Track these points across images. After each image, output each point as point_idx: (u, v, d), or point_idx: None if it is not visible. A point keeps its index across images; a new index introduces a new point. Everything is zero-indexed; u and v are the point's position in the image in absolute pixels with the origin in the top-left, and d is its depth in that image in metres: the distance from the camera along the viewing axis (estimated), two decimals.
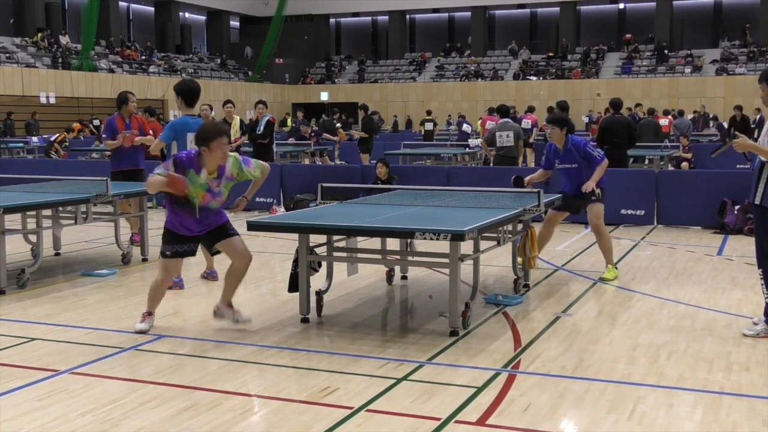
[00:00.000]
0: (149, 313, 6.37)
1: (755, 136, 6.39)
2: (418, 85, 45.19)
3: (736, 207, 11.36)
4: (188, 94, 7.83)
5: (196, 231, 6.22)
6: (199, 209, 6.11)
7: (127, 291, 7.90)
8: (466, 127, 25.13)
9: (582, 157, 8.05)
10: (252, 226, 6.56)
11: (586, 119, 32.20)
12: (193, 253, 6.36)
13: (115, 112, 10.15)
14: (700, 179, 12.13)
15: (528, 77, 43.32)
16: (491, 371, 5.30)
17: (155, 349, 5.87)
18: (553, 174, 8.56)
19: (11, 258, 8.61)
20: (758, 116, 23.03)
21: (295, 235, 6.65)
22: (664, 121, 22.89)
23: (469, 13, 48.19)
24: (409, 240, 7.46)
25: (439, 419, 4.47)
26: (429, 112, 27.94)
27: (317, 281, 6.92)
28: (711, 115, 30.67)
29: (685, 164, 17.63)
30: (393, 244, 7.64)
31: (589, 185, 7.93)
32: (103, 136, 10.41)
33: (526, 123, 19.22)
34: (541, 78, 43.03)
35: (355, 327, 6.50)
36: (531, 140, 18.97)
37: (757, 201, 5.97)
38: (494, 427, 4.39)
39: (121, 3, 43.47)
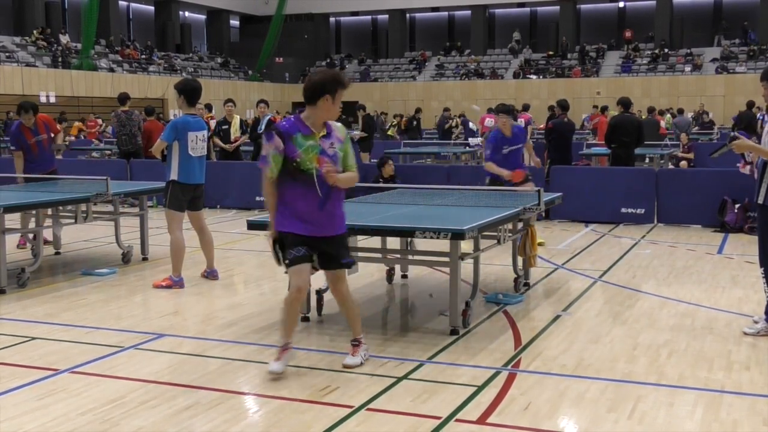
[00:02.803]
0: (284, 348, 5.28)
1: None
2: (418, 84, 45.15)
3: (737, 205, 11.36)
4: (191, 93, 7.82)
5: (313, 222, 5.18)
6: (319, 182, 5.13)
7: (127, 290, 7.89)
8: (472, 126, 25.16)
9: None
10: (252, 226, 6.55)
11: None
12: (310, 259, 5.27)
13: (18, 119, 9.77)
14: (700, 178, 12.12)
15: (528, 76, 43.29)
16: (492, 370, 5.30)
17: (155, 348, 5.86)
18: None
19: (11, 257, 8.61)
20: (758, 115, 22.99)
21: None
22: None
23: (469, 12, 48.17)
24: (409, 239, 7.45)
25: (439, 418, 4.47)
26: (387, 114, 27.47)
27: (318, 280, 6.91)
28: (709, 114, 30.53)
29: (684, 163, 17.60)
30: (393, 243, 7.63)
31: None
32: (12, 148, 9.77)
33: (520, 122, 19.22)
34: (540, 77, 42.99)
35: None
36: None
37: (760, 201, 5.97)
38: (495, 426, 4.38)
39: (121, 2, 43.42)
